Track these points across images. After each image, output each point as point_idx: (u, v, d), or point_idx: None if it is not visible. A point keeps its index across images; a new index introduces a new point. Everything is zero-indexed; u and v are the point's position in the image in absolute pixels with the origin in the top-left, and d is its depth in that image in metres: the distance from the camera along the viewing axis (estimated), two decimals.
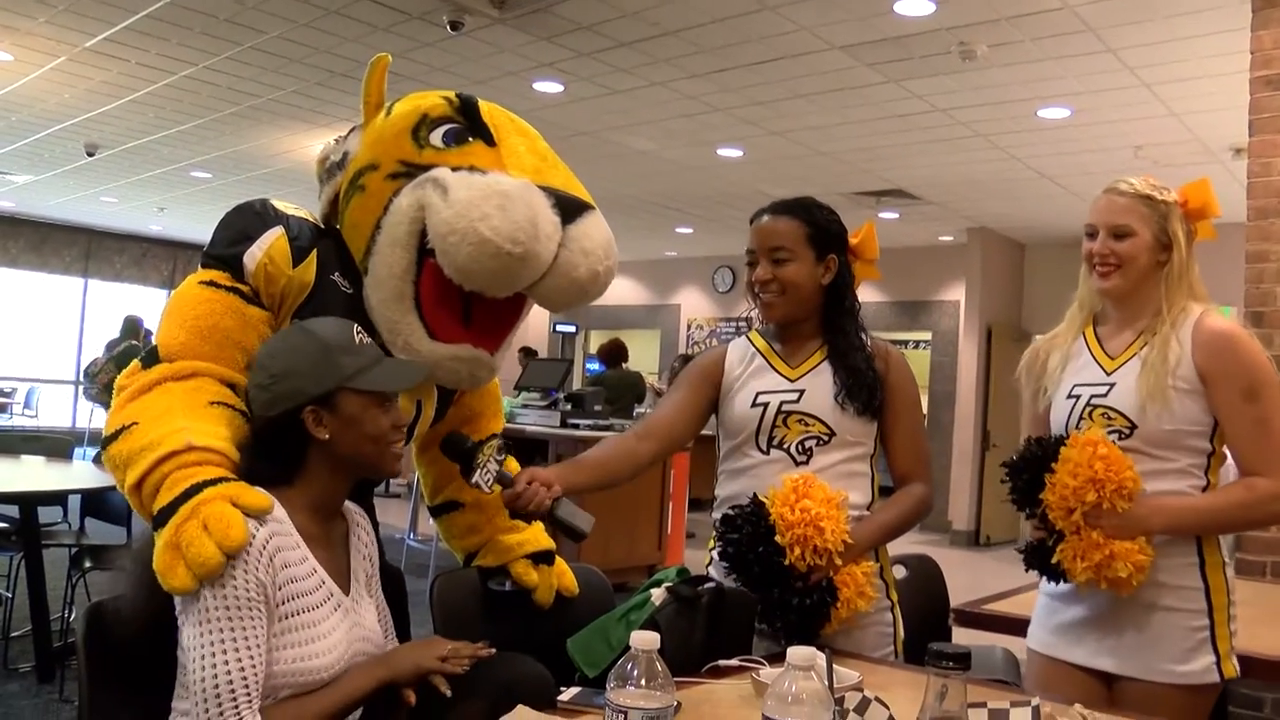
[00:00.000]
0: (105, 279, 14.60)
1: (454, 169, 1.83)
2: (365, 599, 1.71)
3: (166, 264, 15.09)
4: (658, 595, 1.91)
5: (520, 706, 1.51)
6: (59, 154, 9.37)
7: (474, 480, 1.87)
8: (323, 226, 1.95)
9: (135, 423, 1.65)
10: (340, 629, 1.60)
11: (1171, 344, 2.00)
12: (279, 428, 1.62)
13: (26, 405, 13.33)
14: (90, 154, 9.10)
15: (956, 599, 2.73)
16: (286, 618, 1.52)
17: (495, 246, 1.72)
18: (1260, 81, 3.62)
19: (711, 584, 1.98)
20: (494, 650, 1.67)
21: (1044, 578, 2.07)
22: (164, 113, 7.66)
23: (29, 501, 4.23)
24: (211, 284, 1.81)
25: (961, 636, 2.54)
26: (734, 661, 1.84)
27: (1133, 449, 1.99)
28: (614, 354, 9.44)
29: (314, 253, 1.86)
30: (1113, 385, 2.05)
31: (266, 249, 1.82)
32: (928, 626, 2.74)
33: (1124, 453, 1.97)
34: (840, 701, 1.37)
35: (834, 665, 1.53)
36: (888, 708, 1.39)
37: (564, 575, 2.21)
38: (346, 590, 1.66)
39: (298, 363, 1.62)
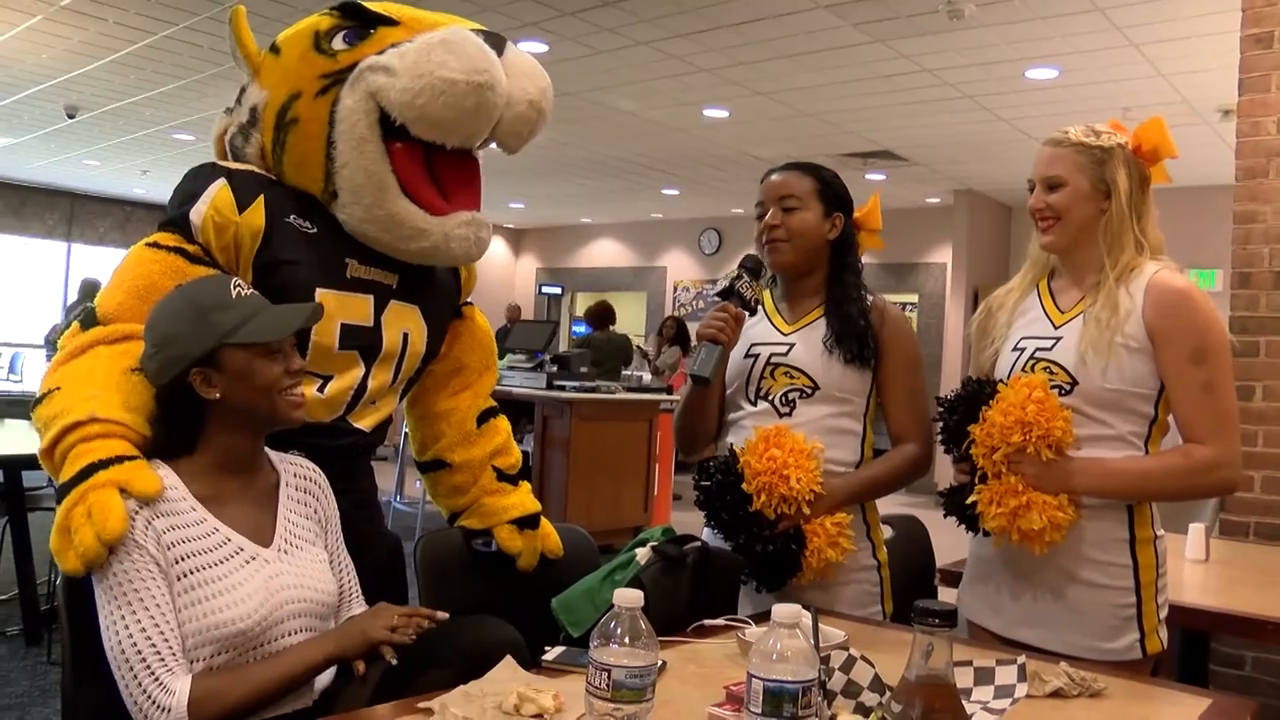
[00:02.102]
0: (89, 243, 14.47)
1: (379, 54, 1.86)
2: (301, 551, 1.71)
3: (151, 228, 14.19)
4: (643, 554, 1.91)
5: (508, 657, 1.51)
6: (38, 116, 9.26)
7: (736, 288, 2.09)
8: (272, 178, 1.94)
9: (59, 387, 1.66)
10: (254, 581, 1.60)
11: (1121, 298, 1.92)
12: (172, 394, 1.62)
13: (11, 370, 13.23)
14: (70, 116, 8.99)
15: (942, 559, 2.74)
16: (184, 577, 1.53)
17: (464, 83, 1.78)
18: (1250, 40, 3.60)
19: (697, 543, 1.99)
20: (445, 616, 1.67)
21: (960, 524, 2.01)
22: (145, 74, 7.57)
23: (14, 465, 4.21)
24: (155, 245, 1.83)
25: (947, 596, 2.54)
26: (719, 621, 1.85)
27: (1071, 409, 1.90)
28: (601, 316, 9.42)
29: (261, 197, 1.85)
30: (1058, 339, 1.98)
31: (211, 200, 1.82)
32: (914, 586, 2.75)
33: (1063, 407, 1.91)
34: (826, 660, 1.37)
35: (819, 624, 1.53)
36: (873, 665, 1.39)
37: (548, 538, 2.21)
38: (269, 543, 1.66)
39: (176, 327, 1.62)
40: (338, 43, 1.91)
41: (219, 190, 1.83)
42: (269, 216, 1.85)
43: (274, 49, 1.99)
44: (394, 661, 1.57)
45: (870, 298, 2.19)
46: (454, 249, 1.95)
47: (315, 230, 1.89)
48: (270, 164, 1.95)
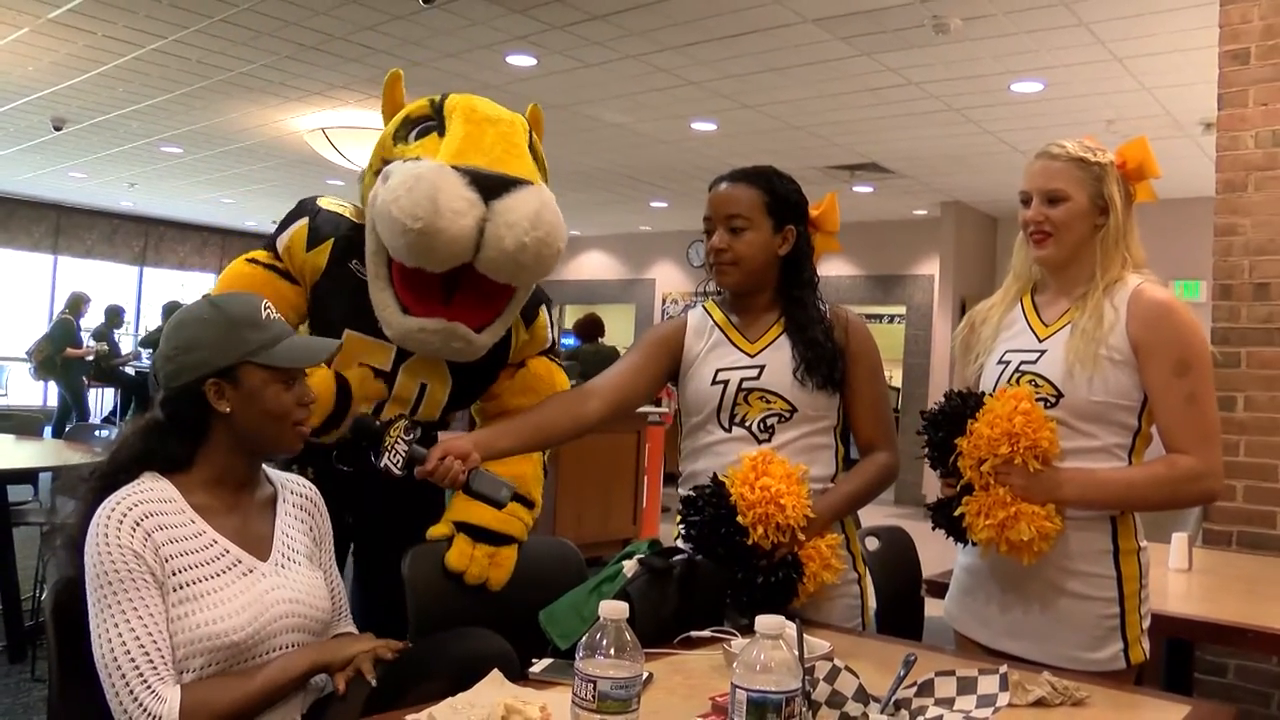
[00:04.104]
0: (75, 255, 14.40)
1: (405, 160, 2.01)
2: (298, 566, 1.72)
3: (138, 240, 14.91)
4: (629, 567, 1.91)
5: (495, 670, 1.52)
6: (25, 128, 9.23)
7: (382, 464, 1.86)
8: (361, 222, 2.15)
9: None
10: (249, 593, 1.61)
11: (1105, 311, 1.93)
12: (182, 399, 1.64)
13: None
14: (57, 128, 8.96)
15: (929, 570, 2.75)
16: (180, 588, 1.54)
17: (401, 225, 1.90)
18: (1228, 56, 3.64)
19: (683, 555, 1.98)
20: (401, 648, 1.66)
21: (949, 536, 2.01)
22: (132, 86, 7.56)
23: None
24: (253, 260, 2.18)
25: (933, 607, 2.56)
26: (706, 632, 1.85)
27: (1057, 421, 1.91)
28: (590, 328, 9.42)
29: (330, 241, 2.12)
30: (1043, 352, 1.98)
31: (291, 234, 2.15)
32: (900, 597, 2.77)
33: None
34: (810, 671, 1.38)
35: (804, 635, 1.54)
36: (857, 676, 1.40)
37: (495, 565, 2.18)
38: (266, 556, 1.68)
39: (203, 335, 1.64)
40: (411, 136, 2.11)
41: (299, 227, 2.15)
42: (331, 260, 2.12)
43: (395, 116, 2.20)
44: (374, 683, 1.58)
45: (826, 308, 2.16)
46: (413, 347, 2.09)
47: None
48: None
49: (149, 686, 1.47)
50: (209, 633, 1.54)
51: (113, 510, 1.53)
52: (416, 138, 2.09)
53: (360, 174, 2.25)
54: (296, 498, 1.79)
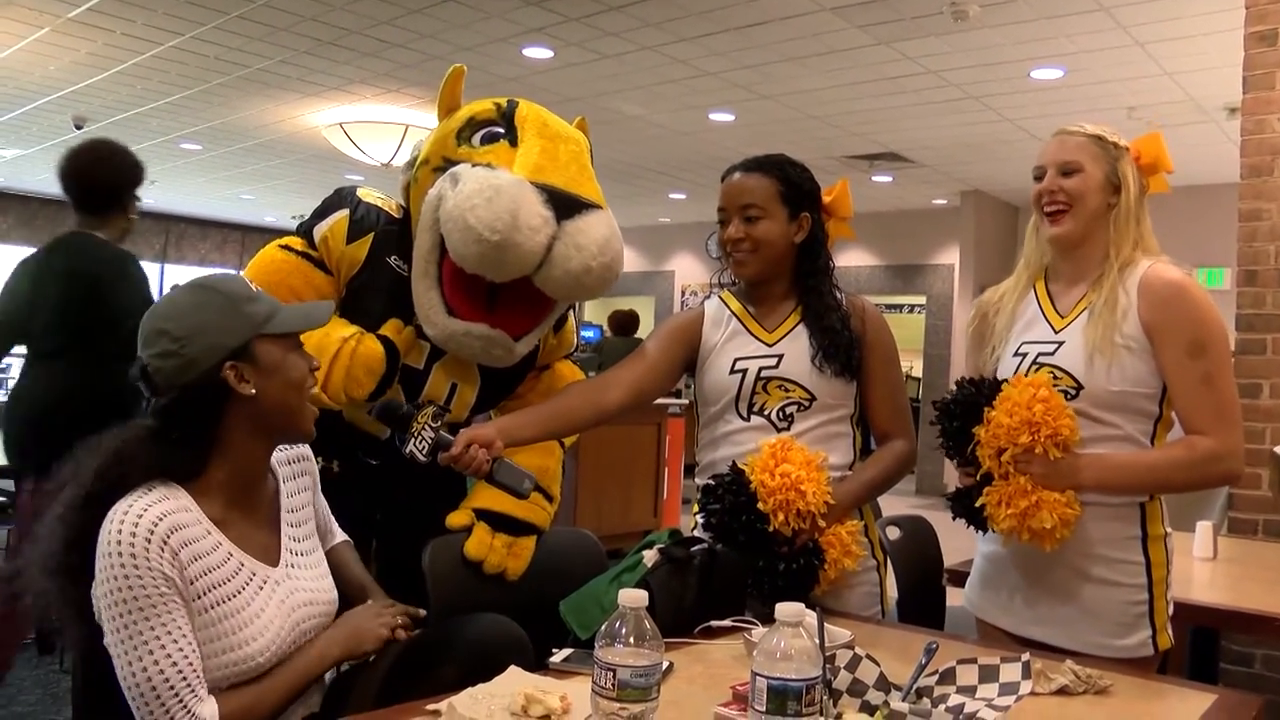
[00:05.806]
0: None
1: (474, 164, 2.01)
2: (304, 557, 1.70)
3: (158, 238, 14.99)
4: (650, 557, 1.91)
5: (513, 666, 1.52)
6: (47, 127, 9.30)
7: (407, 449, 1.85)
8: (400, 216, 2.17)
9: None
10: (270, 606, 1.57)
11: (1119, 295, 1.92)
12: (195, 392, 1.52)
13: None
14: (78, 127, 9.02)
15: (950, 560, 2.74)
16: (207, 610, 1.48)
17: (476, 234, 1.88)
18: (1254, 37, 3.60)
19: (703, 545, 1.98)
20: (421, 613, 1.73)
21: (970, 525, 2.00)
22: (151, 84, 7.61)
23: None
24: (287, 248, 2.16)
25: (955, 597, 2.55)
26: (727, 622, 1.85)
27: (1078, 411, 1.90)
28: (625, 323, 9.42)
29: (371, 236, 2.13)
30: (1061, 344, 1.96)
31: (330, 225, 2.14)
32: (922, 587, 2.76)
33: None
34: (831, 659, 1.37)
35: (825, 623, 1.53)
36: (878, 664, 1.40)
37: (513, 556, 2.18)
38: (276, 561, 1.63)
39: (207, 318, 1.53)
40: (476, 139, 2.09)
41: (339, 219, 2.14)
42: (371, 254, 2.12)
43: (452, 112, 2.19)
44: (371, 659, 1.64)
45: (842, 296, 2.16)
46: (454, 349, 2.10)
47: (408, 274, 2.09)
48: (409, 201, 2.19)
49: (187, 709, 1.43)
50: (238, 657, 1.51)
51: (137, 525, 1.42)
52: (483, 142, 2.09)
53: (409, 163, 2.21)
54: (290, 469, 1.74)
